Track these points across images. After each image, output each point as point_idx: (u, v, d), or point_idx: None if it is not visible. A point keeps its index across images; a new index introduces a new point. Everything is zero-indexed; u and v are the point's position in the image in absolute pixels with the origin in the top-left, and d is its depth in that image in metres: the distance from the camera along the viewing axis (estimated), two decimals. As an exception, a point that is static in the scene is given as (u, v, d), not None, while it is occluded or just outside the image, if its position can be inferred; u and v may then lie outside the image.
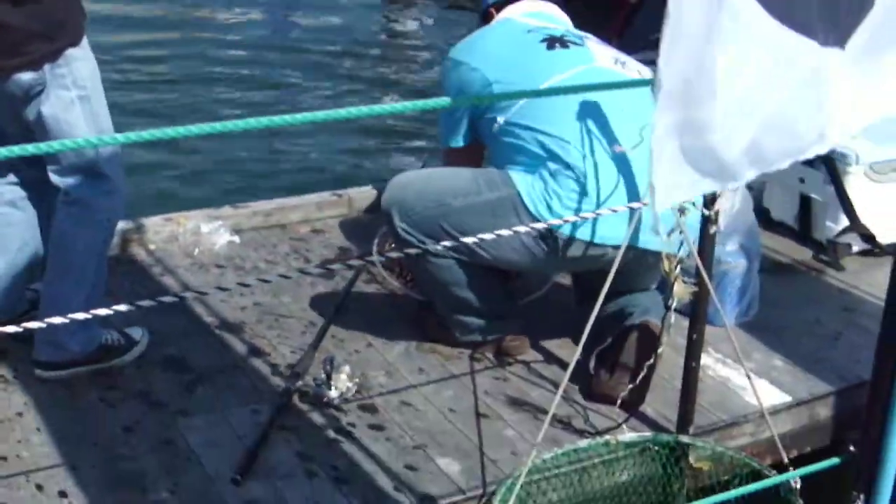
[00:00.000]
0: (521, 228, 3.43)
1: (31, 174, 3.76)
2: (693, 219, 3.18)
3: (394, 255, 3.40)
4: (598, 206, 3.65)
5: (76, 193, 3.66)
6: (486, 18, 4.34)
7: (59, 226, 3.71)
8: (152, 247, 4.83)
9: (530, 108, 3.86)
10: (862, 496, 2.38)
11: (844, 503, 2.42)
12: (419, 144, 8.48)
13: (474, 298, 3.97)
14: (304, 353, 3.96)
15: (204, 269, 4.69)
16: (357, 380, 3.81)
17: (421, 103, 2.04)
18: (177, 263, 4.73)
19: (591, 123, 3.73)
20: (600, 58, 3.96)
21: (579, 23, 4.33)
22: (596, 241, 3.72)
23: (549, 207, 3.71)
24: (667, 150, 1.68)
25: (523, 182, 3.76)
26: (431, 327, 4.19)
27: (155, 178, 7.40)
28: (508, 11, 4.26)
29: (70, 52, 3.50)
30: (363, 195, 5.39)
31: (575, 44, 4.00)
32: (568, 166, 3.70)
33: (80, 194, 3.66)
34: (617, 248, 3.44)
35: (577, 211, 3.68)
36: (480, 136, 4.10)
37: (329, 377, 3.72)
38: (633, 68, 4.03)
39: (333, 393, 3.72)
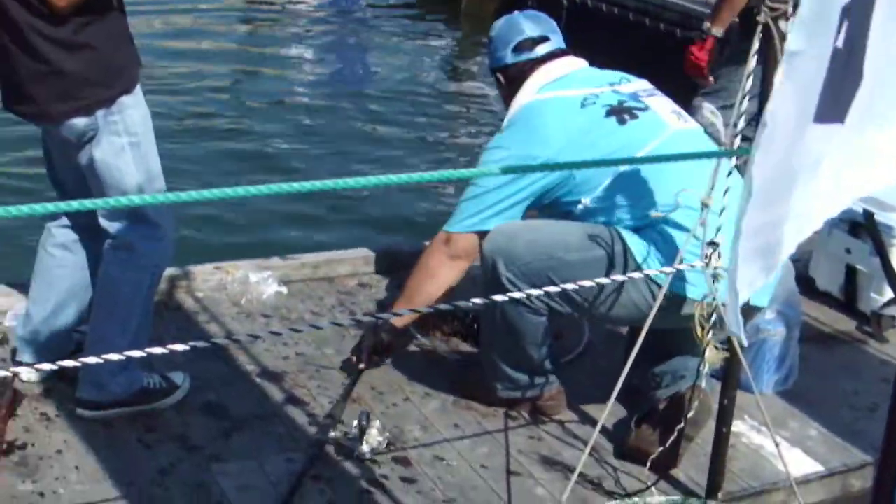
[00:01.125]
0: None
1: (83, 218, 3.84)
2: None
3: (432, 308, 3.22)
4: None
5: (124, 238, 3.73)
6: (511, 82, 4.16)
7: (106, 269, 3.78)
8: (200, 294, 4.89)
9: (615, 189, 3.82)
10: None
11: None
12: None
13: (534, 355, 3.96)
14: (335, 403, 4.00)
15: (250, 319, 4.74)
16: (388, 434, 3.84)
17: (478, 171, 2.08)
18: (223, 312, 4.78)
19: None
20: (669, 120, 3.95)
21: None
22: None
23: (661, 265, 3.62)
24: (744, 250, 1.76)
25: (631, 239, 3.73)
26: (470, 384, 4.21)
27: (206, 226, 7.42)
28: (537, 81, 4.08)
29: (123, 99, 3.58)
30: (411, 252, 5.41)
31: (640, 109, 3.97)
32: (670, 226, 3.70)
33: (128, 239, 3.73)
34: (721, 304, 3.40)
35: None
36: (552, 214, 4.03)
37: (363, 432, 3.76)
38: (687, 116, 4.08)
39: (365, 448, 3.74)
